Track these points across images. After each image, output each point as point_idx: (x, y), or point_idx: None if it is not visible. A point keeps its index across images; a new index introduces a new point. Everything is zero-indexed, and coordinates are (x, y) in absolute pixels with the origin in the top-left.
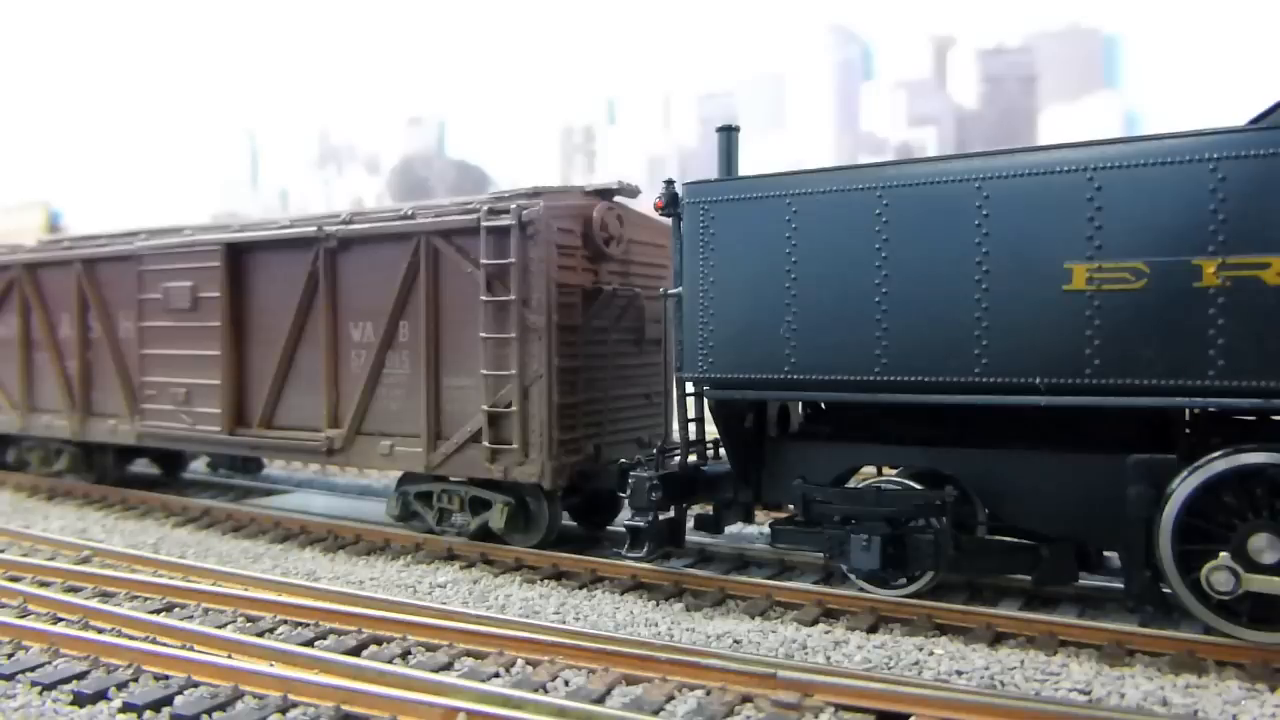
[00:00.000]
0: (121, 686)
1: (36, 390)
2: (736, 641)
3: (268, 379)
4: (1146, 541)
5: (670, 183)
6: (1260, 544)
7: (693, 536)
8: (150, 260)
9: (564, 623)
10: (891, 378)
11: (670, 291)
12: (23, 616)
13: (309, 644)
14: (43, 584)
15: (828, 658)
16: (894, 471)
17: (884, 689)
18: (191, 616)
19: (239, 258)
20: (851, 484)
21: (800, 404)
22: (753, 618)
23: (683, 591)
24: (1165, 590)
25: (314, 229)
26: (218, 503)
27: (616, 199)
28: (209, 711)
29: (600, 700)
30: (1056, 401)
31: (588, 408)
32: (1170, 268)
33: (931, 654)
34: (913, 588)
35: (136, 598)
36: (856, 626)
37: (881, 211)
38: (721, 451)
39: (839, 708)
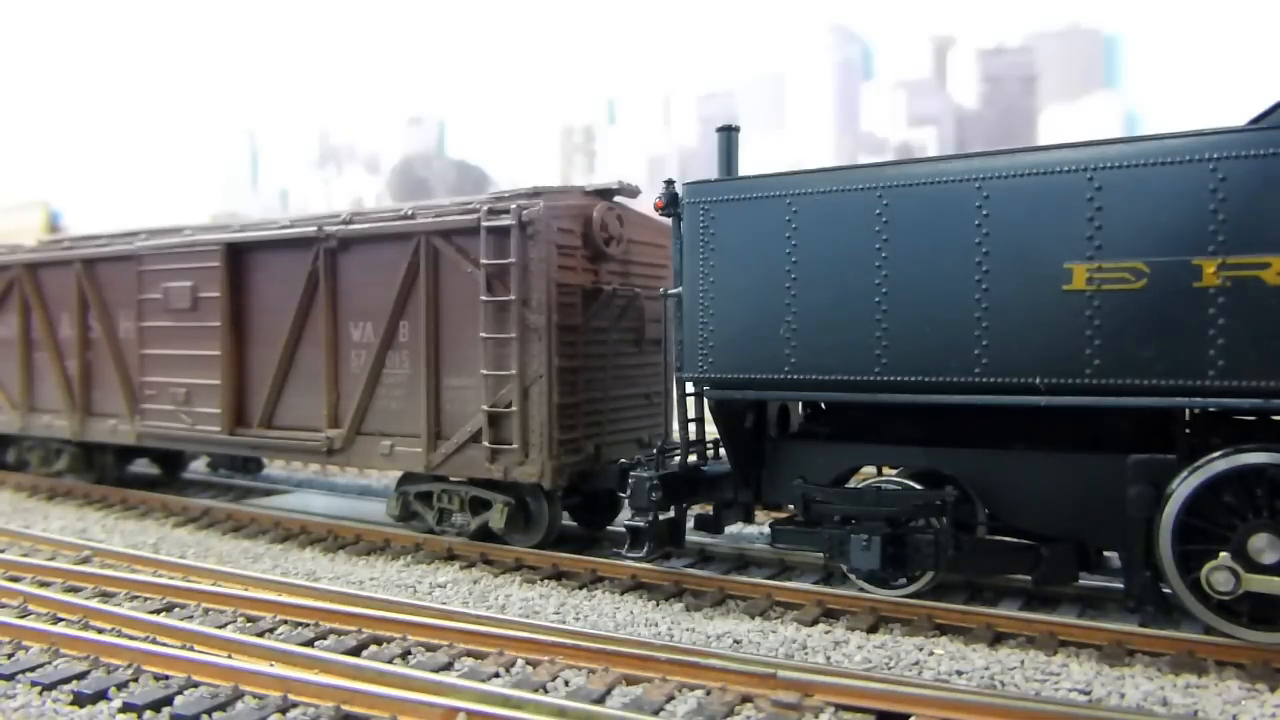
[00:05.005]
0: (121, 686)
1: (36, 390)
2: (736, 641)
3: (268, 379)
4: (1146, 541)
5: (670, 183)
6: (1260, 544)
7: (693, 536)
8: (150, 260)
9: (564, 623)
10: (891, 378)
11: (670, 291)
12: (23, 616)
13: (309, 644)
14: (43, 584)
15: (828, 658)
16: (894, 471)
17: (884, 689)
18: (191, 616)
19: (239, 258)
20: (851, 484)
21: (800, 404)
22: (753, 618)
23: (683, 591)
24: (1165, 590)
25: (314, 229)
26: (218, 503)
27: (616, 199)
28: (209, 711)
29: (600, 700)
30: (1056, 401)
31: (588, 408)
32: (1170, 268)
33: (931, 654)
34: (913, 588)
35: (136, 598)
36: (856, 626)
37: (881, 211)
38: (721, 451)
39: (839, 708)
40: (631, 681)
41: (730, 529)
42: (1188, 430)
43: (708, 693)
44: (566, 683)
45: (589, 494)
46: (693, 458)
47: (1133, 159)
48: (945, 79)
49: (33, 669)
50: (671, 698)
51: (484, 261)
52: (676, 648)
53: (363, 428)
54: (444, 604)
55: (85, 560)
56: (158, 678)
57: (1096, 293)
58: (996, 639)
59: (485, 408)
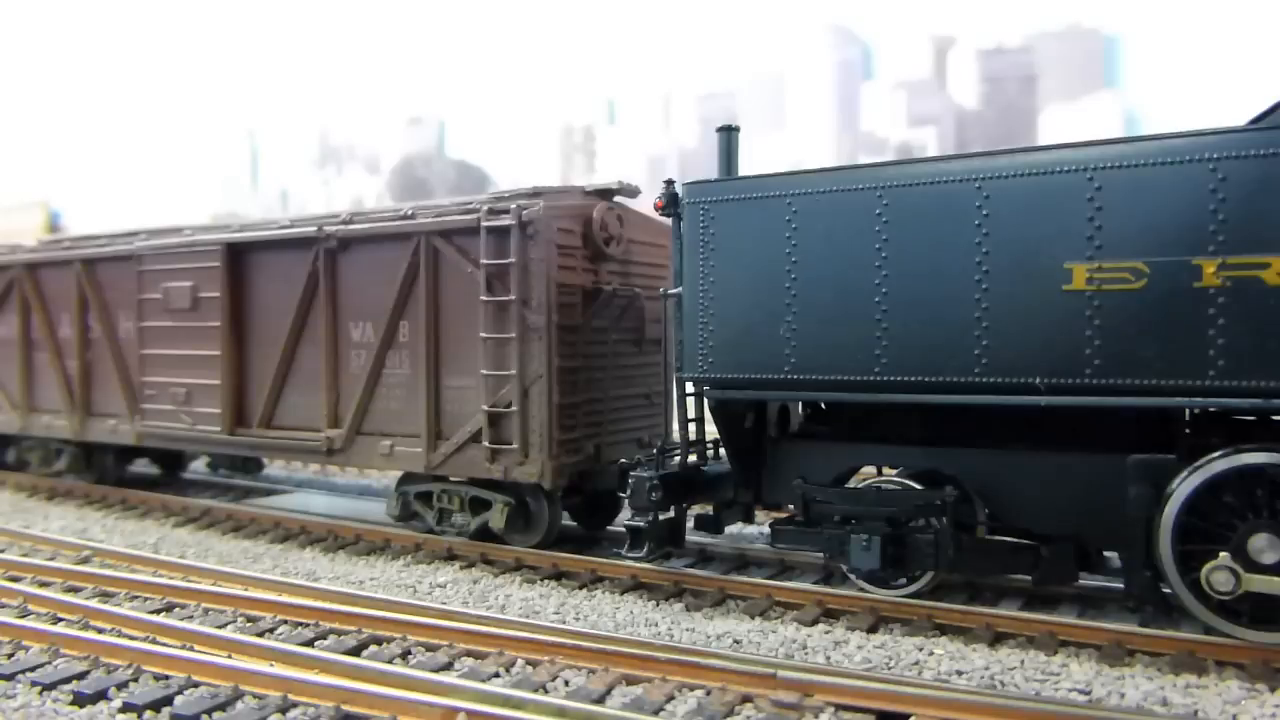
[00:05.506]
0: (121, 686)
1: (36, 390)
2: (736, 641)
3: (268, 379)
4: (1146, 541)
5: (670, 183)
6: (1260, 544)
7: (693, 536)
8: (150, 260)
9: (564, 623)
10: (891, 378)
11: (670, 291)
12: (23, 616)
13: (309, 644)
14: (43, 584)
15: (828, 658)
16: (894, 471)
17: (884, 689)
18: (191, 616)
19: (239, 258)
20: (851, 484)
21: (800, 404)
22: (753, 618)
23: (683, 591)
24: (1165, 590)
25: (314, 229)
26: (218, 503)
27: (616, 199)
28: (209, 711)
29: (600, 700)
30: (1057, 401)
31: (588, 408)
32: (1170, 268)
33: (931, 654)
34: (913, 588)
35: (136, 598)
36: (856, 626)
37: (881, 211)
38: (722, 452)
39: (839, 708)
40: (631, 681)
41: (730, 529)
42: (1188, 430)
43: (708, 693)
44: (566, 683)
45: (589, 494)
46: (693, 458)
47: (1133, 159)
48: (945, 79)
49: (33, 669)
50: (671, 698)
51: (484, 261)
52: (676, 648)
53: (363, 428)
54: (444, 604)
55: (85, 560)
56: (158, 678)
57: (1096, 293)
58: (996, 639)
59: (485, 408)
